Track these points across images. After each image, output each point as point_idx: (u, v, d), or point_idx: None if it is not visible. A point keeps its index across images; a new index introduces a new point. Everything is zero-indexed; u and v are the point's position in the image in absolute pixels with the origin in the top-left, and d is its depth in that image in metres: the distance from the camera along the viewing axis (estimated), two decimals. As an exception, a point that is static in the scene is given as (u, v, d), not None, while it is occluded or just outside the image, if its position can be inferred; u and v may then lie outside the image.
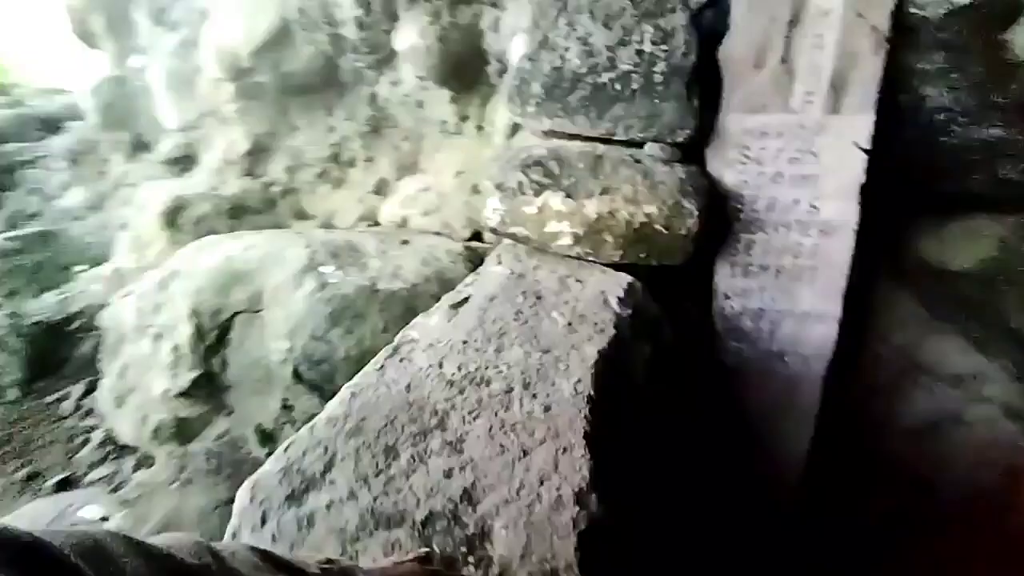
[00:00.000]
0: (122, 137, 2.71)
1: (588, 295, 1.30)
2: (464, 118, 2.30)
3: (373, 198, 2.51)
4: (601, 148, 1.49)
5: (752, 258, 1.61)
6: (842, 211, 1.56)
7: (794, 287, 1.61)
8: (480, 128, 2.27)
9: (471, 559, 0.71)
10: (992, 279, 1.73)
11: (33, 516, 1.47)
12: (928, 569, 1.67)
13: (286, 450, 0.84)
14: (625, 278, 1.38)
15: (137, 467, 1.76)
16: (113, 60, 2.80)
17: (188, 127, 2.54)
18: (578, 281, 1.36)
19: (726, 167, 1.56)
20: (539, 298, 1.27)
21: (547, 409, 0.93)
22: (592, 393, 0.97)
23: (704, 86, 1.52)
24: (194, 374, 1.67)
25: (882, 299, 1.93)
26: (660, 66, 1.43)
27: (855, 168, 1.53)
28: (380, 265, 1.80)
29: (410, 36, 2.10)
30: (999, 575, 1.59)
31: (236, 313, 1.70)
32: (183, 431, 1.68)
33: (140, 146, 2.73)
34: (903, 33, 1.48)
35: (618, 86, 1.46)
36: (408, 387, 0.97)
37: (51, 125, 3.15)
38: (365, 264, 1.80)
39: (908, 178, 1.76)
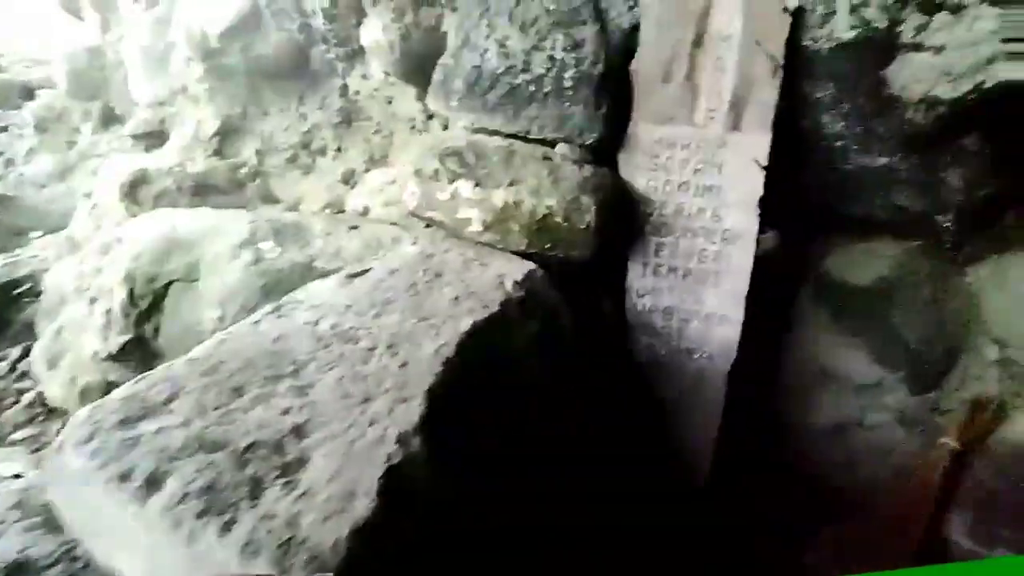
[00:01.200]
0: (93, 108, 2.72)
1: (487, 277, 1.32)
2: (430, 116, 2.32)
3: (341, 187, 2.50)
4: (517, 144, 1.52)
5: (661, 260, 1.64)
6: (743, 221, 1.59)
7: (699, 289, 1.64)
8: (446, 127, 2.30)
9: (279, 481, 0.72)
10: (887, 297, 1.77)
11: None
12: (828, 558, 1.71)
13: (137, 382, 0.85)
14: (528, 265, 1.40)
15: (63, 429, 1.72)
16: (96, 32, 2.82)
17: (159, 103, 2.56)
18: (482, 264, 1.38)
19: (637, 173, 1.60)
20: (438, 275, 1.29)
21: (403, 366, 0.95)
22: (452, 356, 0.99)
23: (619, 94, 1.56)
24: (124, 338, 1.66)
25: (800, 312, 1.98)
26: (570, 73, 1.47)
27: (754, 183, 1.57)
28: (322, 245, 1.80)
29: (374, 32, 2.12)
30: (889, 560, 1.64)
31: (172, 281, 1.71)
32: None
33: (112, 119, 2.74)
34: (800, 63, 1.54)
35: (532, 88, 1.50)
36: (276, 339, 0.98)
37: (31, 94, 3.14)
38: (307, 243, 1.81)
39: (819, 200, 1.81)
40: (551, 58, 1.47)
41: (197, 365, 0.89)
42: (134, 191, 2.25)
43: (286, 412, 0.82)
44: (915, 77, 1.48)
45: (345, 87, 2.46)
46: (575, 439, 1.46)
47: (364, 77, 2.40)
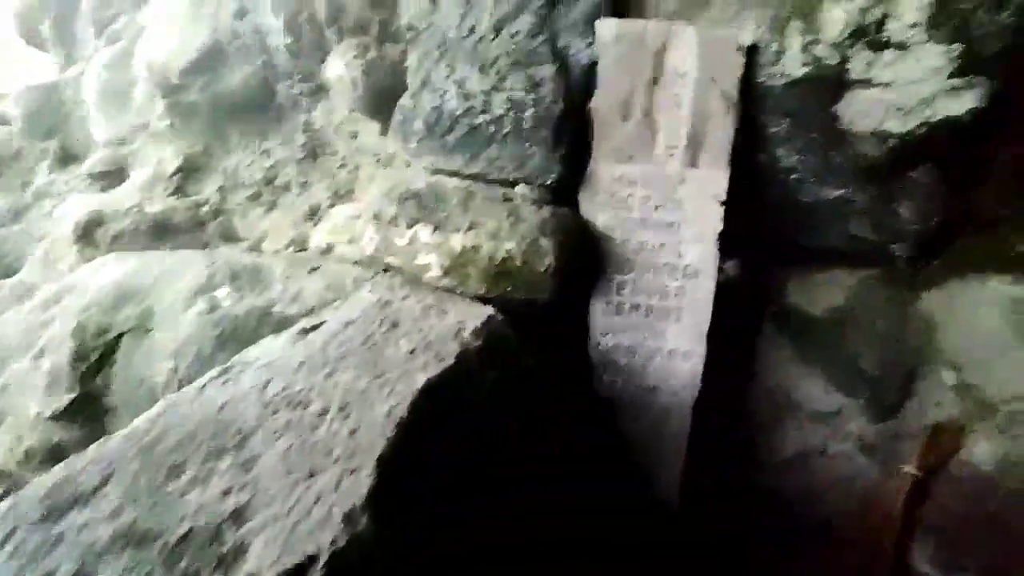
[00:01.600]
0: (51, 147, 2.64)
1: (445, 325, 1.28)
2: (395, 151, 2.30)
3: (305, 224, 2.46)
4: (476, 185, 1.50)
5: (623, 297, 1.63)
6: (703, 256, 1.59)
7: (662, 325, 1.63)
8: (409, 163, 2.28)
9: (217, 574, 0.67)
10: (845, 325, 1.78)
11: None
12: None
13: (69, 463, 0.80)
14: (487, 311, 1.36)
15: (5, 494, 1.62)
16: (58, 67, 2.76)
17: (119, 141, 2.49)
18: (441, 311, 1.35)
19: (598, 211, 1.59)
20: (395, 326, 1.25)
21: (353, 432, 0.91)
22: (405, 416, 0.95)
23: (579, 132, 1.55)
24: (71, 396, 1.57)
25: (763, 343, 1.98)
26: (529, 113, 1.46)
27: (713, 218, 1.57)
28: (281, 289, 1.75)
29: (337, 68, 2.11)
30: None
31: (124, 332, 1.64)
32: (56, 456, 1.56)
33: (69, 157, 2.66)
34: (755, 99, 1.55)
35: (492, 129, 1.49)
36: (222, 407, 0.93)
37: (-13, 131, 3.03)
38: (266, 287, 1.76)
39: (778, 231, 1.82)
40: (510, 99, 1.46)
41: (134, 441, 0.84)
42: (89, 233, 2.17)
43: (226, 493, 0.77)
44: (866, 112, 1.50)
45: (309, 122, 2.43)
46: (540, 483, 1.43)
47: (329, 112, 2.37)
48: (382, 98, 2.08)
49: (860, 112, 1.50)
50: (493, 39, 1.45)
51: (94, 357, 1.60)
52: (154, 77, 2.40)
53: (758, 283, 1.90)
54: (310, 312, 1.65)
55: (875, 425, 1.81)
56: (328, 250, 2.29)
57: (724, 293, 1.64)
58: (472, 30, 1.46)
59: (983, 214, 1.70)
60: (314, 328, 1.21)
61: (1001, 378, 1.69)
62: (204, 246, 2.46)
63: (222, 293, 1.67)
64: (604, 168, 1.56)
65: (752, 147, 1.63)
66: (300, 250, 2.41)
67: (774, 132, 1.59)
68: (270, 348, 1.13)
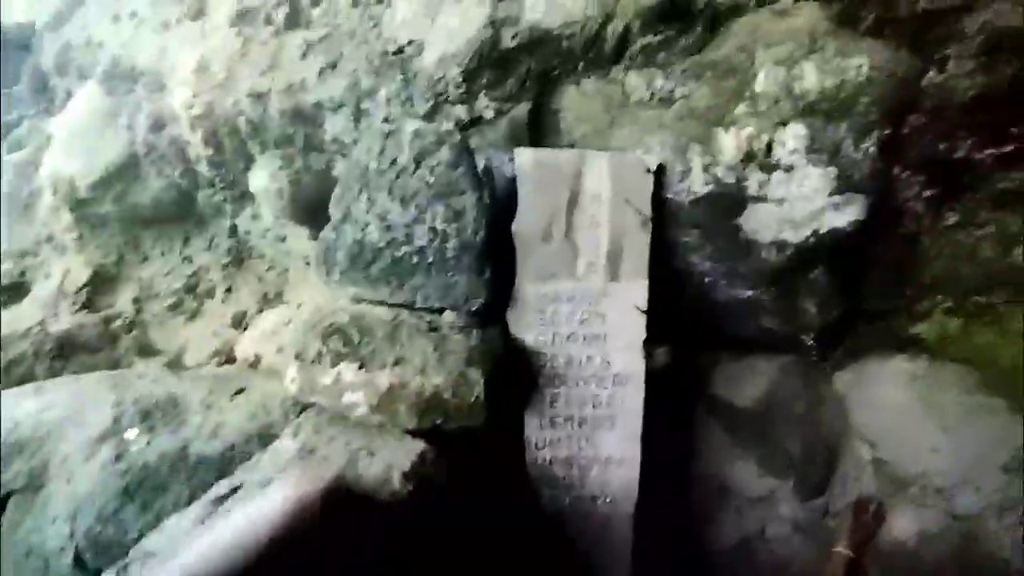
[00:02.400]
0: (-56, 261, 2.38)
1: (373, 472, 1.19)
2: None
3: (230, 331, 2.30)
4: (403, 315, 1.44)
5: (557, 410, 1.59)
6: (630, 363, 1.59)
7: (596, 434, 1.61)
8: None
9: None
10: (767, 410, 1.81)
11: None
12: None
13: None
14: (417, 448, 1.29)
15: None
16: None
17: (21, 253, 2.29)
18: (370, 454, 1.26)
19: (527, 329, 1.56)
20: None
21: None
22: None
23: (505, 250, 1.54)
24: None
25: (697, 431, 1.98)
26: (452, 242, 1.43)
27: (637, 326, 1.58)
28: (200, 422, 1.59)
29: (262, 179, 2.03)
30: None
31: (13, 492, 1.42)
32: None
33: (-35, 272, 2.41)
34: (667, 214, 1.60)
35: (415, 259, 1.45)
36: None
37: None
38: (183, 421, 1.59)
39: (700, 324, 1.85)
40: (433, 229, 1.43)
41: None
42: (-20, 363, 1.93)
43: None
44: (763, 224, 1.58)
45: (234, 227, 2.31)
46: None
47: (254, 218, 2.27)
48: (310, 206, 2.01)
49: (759, 224, 1.58)
50: (414, 171, 1.43)
51: (-26, 526, 1.38)
52: (60, 190, 2.23)
53: (687, 367, 1.91)
54: (231, 448, 1.51)
55: (805, 505, 1.83)
56: (256, 361, 2.14)
57: (655, 380, 1.63)
58: (393, 163, 1.44)
59: (875, 303, 1.79)
60: (228, 496, 1.08)
61: (910, 452, 1.74)
62: (116, 364, 2.25)
63: (131, 435, 1.49)
64: (530, 287, 1.54)
65: (668, 255, 1.67)
66: (226, 361, 2.24)
67: (686, 241, 1.64)
68: (172, 536, 0.99)
